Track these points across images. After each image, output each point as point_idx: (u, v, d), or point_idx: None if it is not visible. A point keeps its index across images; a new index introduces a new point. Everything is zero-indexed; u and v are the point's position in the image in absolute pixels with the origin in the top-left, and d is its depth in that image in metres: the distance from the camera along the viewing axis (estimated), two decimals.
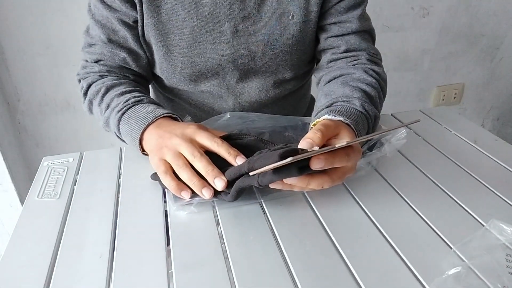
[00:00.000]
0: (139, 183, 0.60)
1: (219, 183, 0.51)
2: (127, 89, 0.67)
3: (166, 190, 0.58)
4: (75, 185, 0.61)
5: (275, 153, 0.44)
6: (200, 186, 0.52)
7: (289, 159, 0.39)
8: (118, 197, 0.58)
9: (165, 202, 0.57)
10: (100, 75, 0.70)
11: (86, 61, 0.72)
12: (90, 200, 0.58)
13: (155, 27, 0.67)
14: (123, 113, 0.62)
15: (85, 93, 0.70)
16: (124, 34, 0.68)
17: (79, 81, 0.72)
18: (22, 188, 1.31)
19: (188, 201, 0.54)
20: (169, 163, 0.55)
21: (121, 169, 0.64)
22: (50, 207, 0.56)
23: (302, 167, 0.45)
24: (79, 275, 0.46)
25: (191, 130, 0.56)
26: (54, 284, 0.45)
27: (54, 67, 1.24)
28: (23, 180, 1.33)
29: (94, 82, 0.69)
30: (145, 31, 0.68)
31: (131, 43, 0.69)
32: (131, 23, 0.67)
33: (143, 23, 0.67)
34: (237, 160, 0.53)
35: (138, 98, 0.64)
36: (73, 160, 0.67)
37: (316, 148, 0.46)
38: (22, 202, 1.31)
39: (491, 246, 0.48)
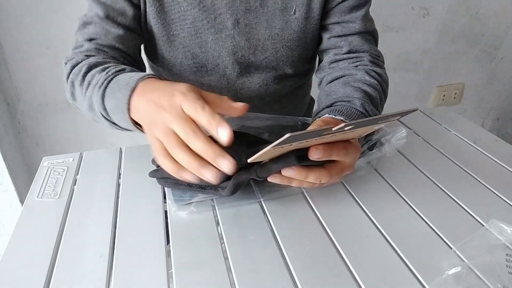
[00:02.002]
0: (139, 183, 0.60)
1: (225, 164, 0.41)
2: (111, 65, 0.59)
3: (166, 189, 0.58)
4: (75, 185, 0.61)
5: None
6: (200, 167, 0.42)
7: (287, 136, 0.36)
8: (118, 197, 0.58)
9: (165, 202, 0.57)
10: (86, 55, 0.64)
11: (77, 41, 0.68)
12: (90, 200, 0.58)
13: (157, 16, 0.67)
14: (106, 86, 0.54)
15: (68, 76, 0.63)
16: (124, 8, 0.65)
17: (65, 64, 0.66)
18: (22, 188, 1.31)
19: (188, 201, 0.54)
20: None
21: (121, 169, 0.64)
22: (50, 207, 0.56)
23: (301, 157, 0.45)
24: (79, 275, 0.46)
25: (179, 98, 0.45)
26: (54, 284, 0.45)
27: (54, 67, 1.24)
28: (23, 180, 1.33)
29: (79, 63, 0.63)
30: (147, 19, 0.68)
31: (129, 18, 0.66)
32: (134, 0, 0.66)
33: (145, 11, 0.67)
34: (219, 132, 0.42)
35: (119, 68, 0.56)
36: (73, 160, 0.67)
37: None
38: (22, 202, 1.31)
39: (491, 246, 0.48)
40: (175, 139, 0.44)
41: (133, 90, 0.50)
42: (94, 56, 0.64)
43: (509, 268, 0.45)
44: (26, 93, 1.27)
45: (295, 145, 0.43)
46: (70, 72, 0.63)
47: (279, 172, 0.47)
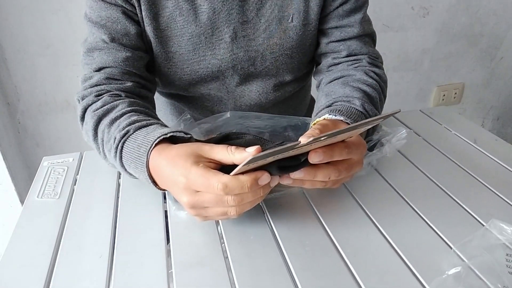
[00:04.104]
0: (139, 183, 0.60)
1: (262, 180, 0.44)
2: (117, 115, 0.57)
3: (166, 191, 0.58)
4: (75, 185, 0.61)
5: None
6: (242, 204, 0.45)
7: (249, 158, 0.39)
8: (118, 197, 0.58)
9: (165, 202, 0.57)
10: (96, 95, 0.62)
11: (85, 74, 0.66)
12: (90, 200, 0.58)
13: (154, 34, 0.66)
14: (120, 158, 0.54)
15: (82, 119, 0.62)
16: (126, 27, 0.65)
17: (78, 102, 0.64)
18: (22, 188, 1.31)
19: None
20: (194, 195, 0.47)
21: None
22: (50, 207, 0.56)
23: (283, 167, 0.45)
24: (79, 275, 0.46)
25: (192, 181, 0.45)
26: (54, 284, 0.45)
27: (54, 67, 1.24)
28: (23, 180, 1.33)
29: (89, 105, 0.61)
30: (144, 38, 0.67)
31: (134, 38, 0.65)
32: (133, 16, 0.65)
33: (144, 29, 0.66)
34: (260, 181, 0.45)
35: (123, 132, 0.54)
36: (73, 160, 0.67)
37: (302, 142, 0.43)
38: (22, 202, 1.31)
39: (491, 246, 0.48)
40: (204, 211, 0.47)
41: (147, 166, 0.50)
42: (104, 93, 0.62)
43: (509, 268, 0.45)
44: (26, 93, 1.27)
45: (286, 154, 0.43)
46: (83, 115, 0.61)
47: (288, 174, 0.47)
